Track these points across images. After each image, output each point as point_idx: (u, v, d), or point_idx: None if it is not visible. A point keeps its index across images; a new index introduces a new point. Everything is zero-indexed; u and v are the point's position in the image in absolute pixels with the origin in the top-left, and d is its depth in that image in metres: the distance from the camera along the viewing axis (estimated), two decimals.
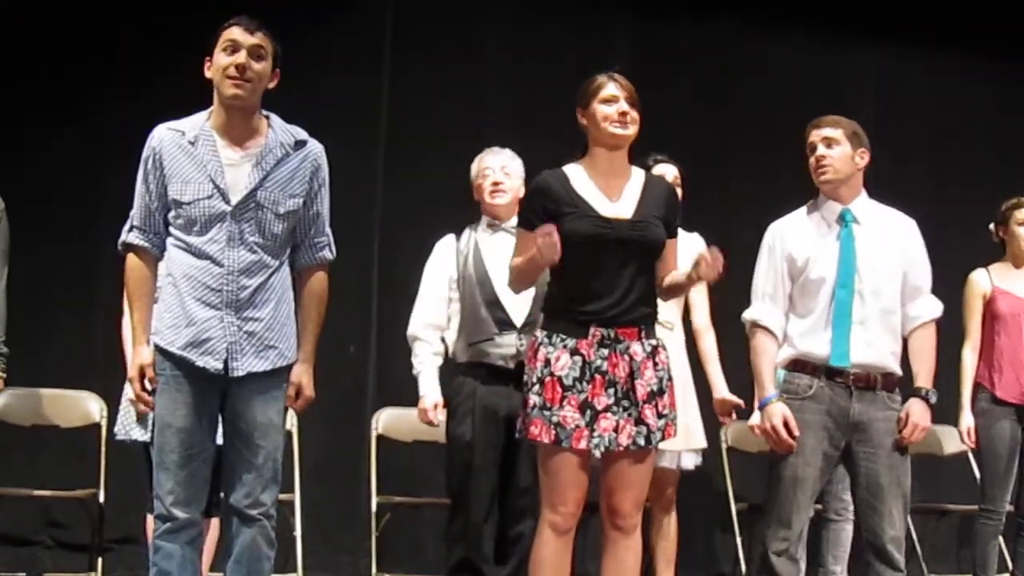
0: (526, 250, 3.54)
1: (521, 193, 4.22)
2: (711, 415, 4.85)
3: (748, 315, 4.00)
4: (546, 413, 3.49)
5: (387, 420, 5.68)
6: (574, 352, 3.50)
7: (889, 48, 6.91)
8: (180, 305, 3.35)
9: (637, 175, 3.69)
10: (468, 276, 4.33)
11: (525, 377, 3.58)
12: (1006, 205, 5.17)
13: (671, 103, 6.08)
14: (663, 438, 3.59)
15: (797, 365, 3.89)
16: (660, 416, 3.55)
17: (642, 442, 3.52)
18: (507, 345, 4.20)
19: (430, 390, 4.33)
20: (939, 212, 5.97)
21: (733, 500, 5.86)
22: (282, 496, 5.27)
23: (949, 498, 6.06)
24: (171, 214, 3.39)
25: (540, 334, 3.57)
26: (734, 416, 4.85)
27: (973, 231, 5.56)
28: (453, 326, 4.38)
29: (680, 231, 4.73)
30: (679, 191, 4.71)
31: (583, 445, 3.48)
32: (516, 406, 3.88)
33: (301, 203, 3.45)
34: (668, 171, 4.71)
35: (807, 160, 4.00)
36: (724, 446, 5.73)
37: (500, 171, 4.34)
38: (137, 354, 3.40)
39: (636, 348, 3.53)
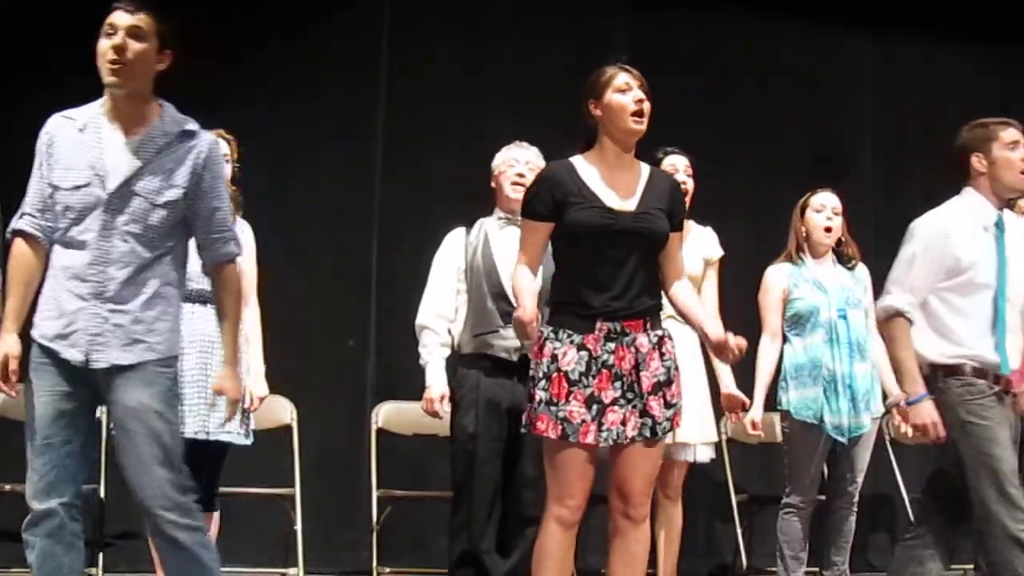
0: (529, 243, 3.59)
1: None
2: (716, 407, 4.86)
3: (896, 304, 3.81)
4: (552, 408, 3.48)
5: (387, 414, 5.70)
6: (581, 347, 3.50)
7: (889, 39, 6.90)
8: (54, 296, 3.29)
9: (643, 168, 3.68)
10: (476, 267, 4.33)
11: (531, 372, 3.57)
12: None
13: (670, 96, 6.04)
14: (671, 428, 3.59)
15: (971, 368, 3.80)
16: (668, 406, 3.55)
17: (648, 433, 3.52)
18: (512, 337, 4.15)
19: (436, 381, 4.33)
20: (940, 204, 5.96)
21: (733, 491, 5.89)
22: (283, 490, 5.35)
23: None
24: (50, 200, 3.31)
25: (546, 329, 3.56)
26: (742, 414, 4.85)
27: None
28: (459, 317, 4.38)
29: (693, 224, 4.76)
30: (691, 182, 4.71)
31: (590, 439, 3.48)
32: (519, 399, 3.90)
33: (182, 194, 3.32)
34: (679, 162, 4.71)
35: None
36: (724, 437, 5.74)
37: (525, 165, 4.34)
38: (2, 342, 3.33)
39: (642, 340, 3.53)
